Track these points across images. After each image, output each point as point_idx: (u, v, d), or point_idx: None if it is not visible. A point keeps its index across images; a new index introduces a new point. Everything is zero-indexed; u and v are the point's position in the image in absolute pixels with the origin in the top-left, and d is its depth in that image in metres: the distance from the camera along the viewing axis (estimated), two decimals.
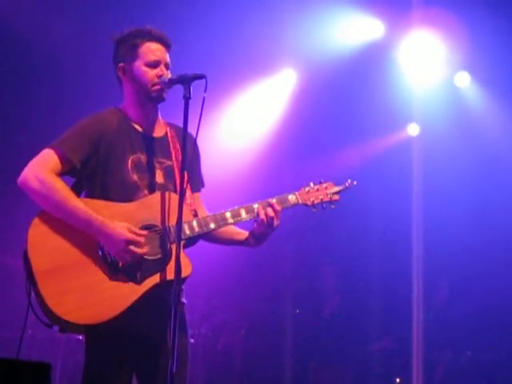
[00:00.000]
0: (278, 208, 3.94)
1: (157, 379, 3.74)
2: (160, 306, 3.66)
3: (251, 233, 4.02)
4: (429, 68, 8.67)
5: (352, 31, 8.56)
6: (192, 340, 7.59)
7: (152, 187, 3.85)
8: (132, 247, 3.64)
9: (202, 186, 4.14)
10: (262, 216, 3.90)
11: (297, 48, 8.43)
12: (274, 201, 3.95)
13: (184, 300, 3.94)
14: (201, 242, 3.99)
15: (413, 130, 8.97)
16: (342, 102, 8.56)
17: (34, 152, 3.82)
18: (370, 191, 8.74)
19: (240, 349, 8.30)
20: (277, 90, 8.94)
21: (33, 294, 3.64)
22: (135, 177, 3.84)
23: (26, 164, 3.77)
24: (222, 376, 8.18)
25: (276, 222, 3.92)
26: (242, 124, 8.92)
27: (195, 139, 3.83)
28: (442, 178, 8.48)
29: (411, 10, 8.31)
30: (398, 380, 8.26)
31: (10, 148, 7.88)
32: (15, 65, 7.79)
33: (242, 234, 4.07)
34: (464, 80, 8.76)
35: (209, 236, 3.98)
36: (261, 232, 3.96)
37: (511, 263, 8.24)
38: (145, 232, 3.70)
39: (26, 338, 7.07)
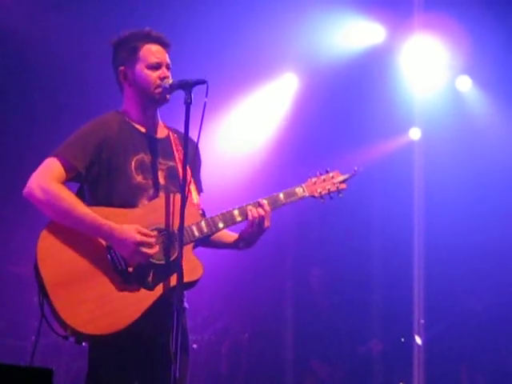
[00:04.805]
0: (268, 208, 3.91)
1: None
2: (167, 311, 3.61)
3: (240, 235, 3.99)
4: (430, 72, 8.67)
5: (353, 36, 8.55)
6: (195, 345, 7.58)
7: (156, 188, 3.84)
8: (143, 248, 3.63)
9: (201, 191, 4.11)
10: (252, 216, 3.87)
11: (298, 52, 8.43)
12: (264, 201, 3.92)
13: (186, 305, 3.93)
14: (201, 248, 3.98)
15: (414, 134, 8.96)
16: (343, 107, 8.56)
17: (38, 160, 3.81)
18: (372, 195, 8.75)
19: (243, 353, 8.28)
20: (278, 95, 8.93)
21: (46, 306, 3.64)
22: (139, 177, 3.83)
23: (29, 173, 3.76)
24: (226, 381, 8.17)
25: (266, 223, 3.90)
26: (243, 129, 8.90)
27: (197, 145, 3.83)
28: (443, 182, 8.48)
29: (412, 15, 8.31)
30: None
31: (12, 156, 7.85)
32: (14, 70, 7.76)
33: (232, 236, 4.04)
34: (465, 84, 8.76)
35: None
36: (250, 233, 3.94)
37: None
38: (154, 232, 3.69)
39: (28, 344, 7.11)
